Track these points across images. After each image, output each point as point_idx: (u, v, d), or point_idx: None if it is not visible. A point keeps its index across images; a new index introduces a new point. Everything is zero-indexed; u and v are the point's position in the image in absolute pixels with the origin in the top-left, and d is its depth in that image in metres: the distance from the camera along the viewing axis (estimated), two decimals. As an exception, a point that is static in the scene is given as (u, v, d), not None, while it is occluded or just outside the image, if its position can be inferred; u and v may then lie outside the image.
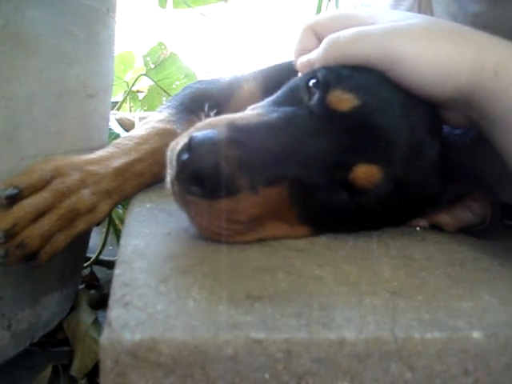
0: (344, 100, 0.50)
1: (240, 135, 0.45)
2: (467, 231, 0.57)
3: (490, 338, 0.36)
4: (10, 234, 0.50)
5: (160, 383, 0.33)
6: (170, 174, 0.47)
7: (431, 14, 0.72)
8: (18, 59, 0.53)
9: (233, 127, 0.45)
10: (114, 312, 0.35)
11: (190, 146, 0.43)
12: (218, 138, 0.43)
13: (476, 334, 0.36)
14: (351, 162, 0.49)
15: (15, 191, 0.51)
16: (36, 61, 0.55)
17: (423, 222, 0.58)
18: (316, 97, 0.51)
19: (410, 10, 0.76)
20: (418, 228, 0.58)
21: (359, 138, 0.49)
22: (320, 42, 0.57)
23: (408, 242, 0.53)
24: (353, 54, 0.53)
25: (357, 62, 0.53)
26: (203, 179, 0.42)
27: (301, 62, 0.59)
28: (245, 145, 0.44)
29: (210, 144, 0.43)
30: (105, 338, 0.33)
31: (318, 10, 1.11)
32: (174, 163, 0.45)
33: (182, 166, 0.44)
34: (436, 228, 0.58)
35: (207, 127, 0.46)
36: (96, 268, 0.94)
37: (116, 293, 0.38)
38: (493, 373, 0.37)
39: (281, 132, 0.47)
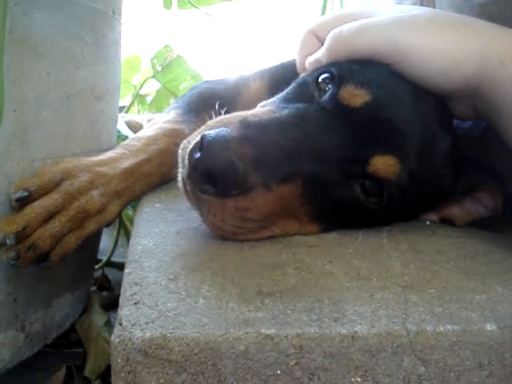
0: (356, 95, 0.49)
1: (252, 132, 0.45)
2: (478, 225, 0.57)
3: (504, 330, 0.36)
4: (21, 235, 0.50)
5: (171, 381, 0.33)
6: (181, 172, 0.47)
7: (434, 7, 0.72)
8: (26, 62, 0.53)
9: (245, 124, 0.45)
10: (125, 310, 0.35)
11: (202, 145, 0.43)
12: (230, 135, 0.43)
13: (490, 327, 0.36)
14: (366, 155, 0.48)
15: (25, 193, 0.51)
16: (44, 64, 0.55)
17: (434, 217, 0.58)
18: (327, 93, 0.51)
19: (413, 5, 0.76)
20: (427, 222, 0.58)
21: (372, 133, 0.49)
22: (323, 44, 0.57)
23: (418, 236, 0.53)
24: (358, 47, 0.52)
25: (362, 55, 0.52)
26: (216, 177, 0.42)
27: (309, 61, 0.59)
28: (257, 142, 0.44)
29: (222, 142, 0.43)
30: (116, 336, 0.33)
31: (324, 9, 1.10)
32: (186, 162, 0.45)
33: (194, 165, 0.44)
34: (446, 222, 0.58)
35: (219, 125, 0.45)
36: (107, 270, 0.95)
37: (126, 292, 0.38)
38: (508, 365, 0.36)
39: (293, 128, 0.47)
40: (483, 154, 0.61)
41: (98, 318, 0.76)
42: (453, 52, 0.50)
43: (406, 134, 0.49)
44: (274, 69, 0.82)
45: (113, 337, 0.33)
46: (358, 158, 0.48)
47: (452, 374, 0.36)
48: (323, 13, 1.14)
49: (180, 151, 0.48)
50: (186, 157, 0.45)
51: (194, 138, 0.45)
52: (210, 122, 0.48)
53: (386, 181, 0.49)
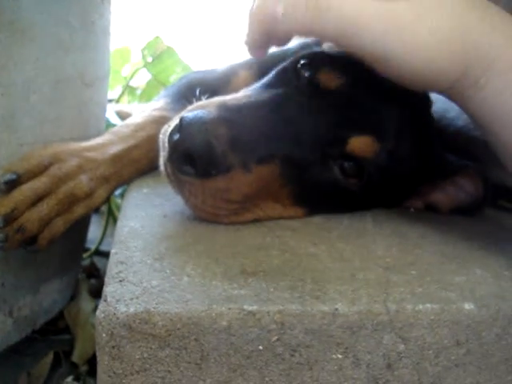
0: (332, 78, 0.51)
1: (230, 115, 0.45)
2: (461, 213, 0.58)
3: (482, 310, 0.37)
4: (9, 218, 0.50)
5: (155, 355, 0.34)
6: (162, 156, 0.47)
7: None
8: (14, 47, 0.53)
9: (223, 107, 0.46)
10: (110, 287, 0.36)
11: (180, 127, 0.43)
12: (208, 117, 0.44)
13: (468, 306, 0.37)
14: (344, 136, 0.49)
15: (14, 176, 0.51)
16: (32, 48, 0.55)
17: (418, 203, 0.58)
18: (305, 77, 0.52)
19: None
20: (412, 210, 0.58)
21: (349, 114, 0.49)
22: None
23: (402, 222, 0.54)
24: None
25: None
26: (195, 158, 0.43)
27: None
28: (235, 123, 0.45)
29: (200, 123, 0.43)
30: (100, 311, 0.34)
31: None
32: (166, 145, 0.46)
33: (173, 147, 0.44)
34: (431, 210, 0.59)
35: (198, 108, 0.46)
36: (96, 259, 0.95)
37: (112, 270, 0.39)
38: (484, 343, 0.37)
39: (271, 111, 0.48)
40: (467, 144, 0.62)
41: (86, 304, 0.77)
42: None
43: (383, 114, 0.50)
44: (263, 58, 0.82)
45: (97, 312, 0.34)
46: (336, 140, 0.49)
47: (430, 351, 0.36)
48: None
49: (161, 135, 0.48)
50: (166, 139, 0.46)
51: (174, 122, 0.46)
52: (189, 107, 0.48)
53: (365, 161, 0.50)
